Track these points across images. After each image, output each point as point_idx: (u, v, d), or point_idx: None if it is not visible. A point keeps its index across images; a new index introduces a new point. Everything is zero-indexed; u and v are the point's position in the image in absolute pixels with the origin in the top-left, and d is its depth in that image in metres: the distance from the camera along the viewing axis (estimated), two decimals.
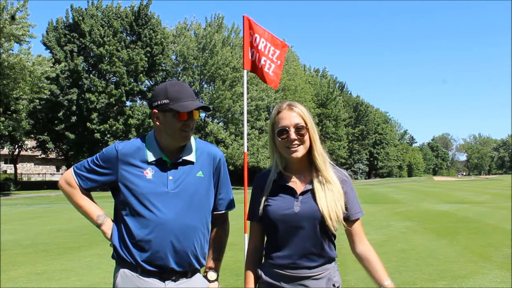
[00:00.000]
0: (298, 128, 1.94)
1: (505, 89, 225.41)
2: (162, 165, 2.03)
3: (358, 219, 2.01)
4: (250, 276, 2.05)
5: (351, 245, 2.02)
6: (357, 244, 2.00)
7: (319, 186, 1.95)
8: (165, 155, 2.04)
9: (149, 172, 2.01)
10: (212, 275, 2.14)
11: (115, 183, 2.04)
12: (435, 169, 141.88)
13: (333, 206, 1.91)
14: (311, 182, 1.97)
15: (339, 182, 1.99)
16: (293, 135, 1.93)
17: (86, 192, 2.12)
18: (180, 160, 2.04)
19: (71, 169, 2.14)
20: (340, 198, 1.95)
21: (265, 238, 2.08)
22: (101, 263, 7.16)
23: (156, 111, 2.02)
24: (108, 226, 2.07)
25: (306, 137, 1.96)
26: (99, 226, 2.08)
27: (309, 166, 2.01)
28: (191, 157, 2.07)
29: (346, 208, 1.97)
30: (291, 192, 1.97)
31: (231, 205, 2.22)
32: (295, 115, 1.96)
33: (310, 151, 1.99)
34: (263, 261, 2.06)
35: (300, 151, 1.95)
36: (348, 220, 1.98)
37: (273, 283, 1.95)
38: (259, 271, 2.03)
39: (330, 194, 1.93)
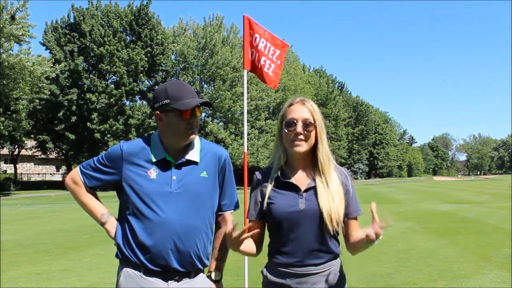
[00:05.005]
0: (306, 124, 1.93)
1: (505, 89, 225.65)
2: (166, 165, 2.02)
3: (356, 217, 2.01)
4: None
5: (347, 239, 2.01)
6: (352, 238, 1.99)
7: (321, 185, 1.94)
8: (169, 155, 2.03)
9: (153, 172, 2.01)
10: (216, 275, 2.14)
11: (119, 182, 2.04)
12: (435, 169, 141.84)
13: (335, 207, 1.91)
14: (314, 180, 1.96)
15: (341, 181, 1.99)
16: (299, 128, 1.92)
17: (91, 190, 2.12)
18: (184, 160, 2.04)
19: (77, 168, 2.16)
20: (341, 200, 1.95)
21: (265, 237, 2.07)
22: (101, 263, 7.16)
23: (159, 112, 2.02)
24: (112, 224, 2.07)
25: (312, 134, 1.95)
26: (102, 224, 2.08)
27: (311, 165, 1.99)
28: (195, 157, 2.06)
29: (346, 207, 1.97)
30: (295, 189, 1.96)
31: (235, 205, 2.22)
32: (305, 110, 1.96)
33: (314, 150, 1.98)
34: (267, 261, 2.05)
35: (303, 147, 1.94)
36: (348, 217, 1.98)
37: (279, 282, 1.95)
38: (265, 272, 2.02)
39: (332, 195, 1.93)
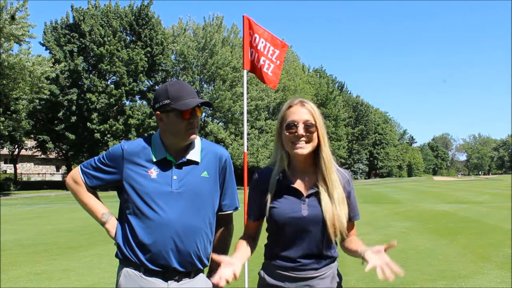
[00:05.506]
0: (307, 125, 1.89)
1: (505, 89, 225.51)
2: (166, 165, 2.03)
3: (354, 221, 2.03)
4: (241, 244, 2.00)
5: (342, 239, 2.02)
6: (347, 240, 2.02)
7: (324, 191, 1.91)
8: (170, 155, 2.04)
9: (154, 172, 2.01)
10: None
11: (120, 182, 2.04)
12: (435, 169, 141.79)
13: (338, 215, 1.89)
14: (316, 185, 1.93)
15: (343, 185, 1.97)
16: (301, 130, 1.88)
17: (92, 190, 2.13)
18: (185, 160, 2.04)
19: (78, 167, 2.16)
20: (344, 208, 1.93)
21: (259, 237, 2.08)
22: (101, 263, 7.17)
23: (159, 112, 2.02)
24: (112, 224, 2.08)
25: (315, 136, 1.91)
26: (103, 224, 2.09)
27: (313, 167, 1.96)
28: (196, 157, 2.07)
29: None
30: (297, 194, 1.93)
31: (236, 205, 2.22)
32: (305, 111, 1.92)
33: (316, 151, 1.94)
34: (264, 262, 2.04)
35: (306, 149, 1.90)
36: (347, 221, 1.97)
37: (277, 285, 1.93)
38: (262, 273, 2.01)
39: (336, 203, 1.90)
